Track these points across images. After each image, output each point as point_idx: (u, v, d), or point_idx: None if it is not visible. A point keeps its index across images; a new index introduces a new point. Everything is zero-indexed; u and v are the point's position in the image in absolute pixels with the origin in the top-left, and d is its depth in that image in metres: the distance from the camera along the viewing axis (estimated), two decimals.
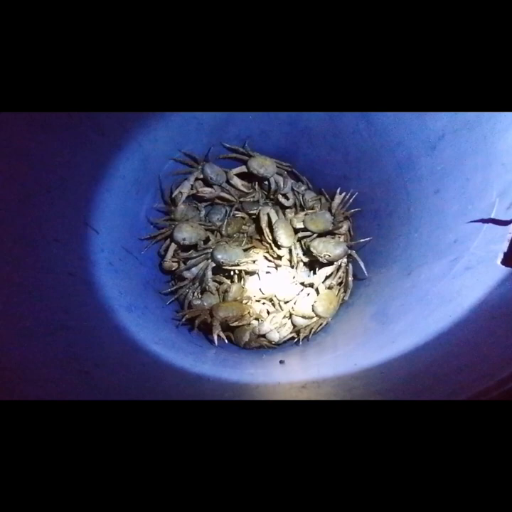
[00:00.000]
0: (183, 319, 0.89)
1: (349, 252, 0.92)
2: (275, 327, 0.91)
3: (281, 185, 1.03)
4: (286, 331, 0.93)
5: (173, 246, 0.96)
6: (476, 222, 0.61)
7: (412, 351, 0.56)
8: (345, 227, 1.00)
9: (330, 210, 0.99)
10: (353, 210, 0.97)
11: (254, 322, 0.94)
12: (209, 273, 0.96)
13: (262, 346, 0.92)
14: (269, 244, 1.02)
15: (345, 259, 0.93)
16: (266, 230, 1.00)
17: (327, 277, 0.95)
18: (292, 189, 1.07)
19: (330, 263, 0.93)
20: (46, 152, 0.63)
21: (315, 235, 1.00)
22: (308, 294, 0.96)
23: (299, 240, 1.02)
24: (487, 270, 0.56)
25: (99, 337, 0.61)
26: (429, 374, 0.49)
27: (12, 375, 0.46)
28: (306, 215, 1.01)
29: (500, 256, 0.54)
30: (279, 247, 1.00)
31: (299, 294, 0.95)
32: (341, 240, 0.98)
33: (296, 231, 1.02)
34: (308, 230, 1.00)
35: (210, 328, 0.87)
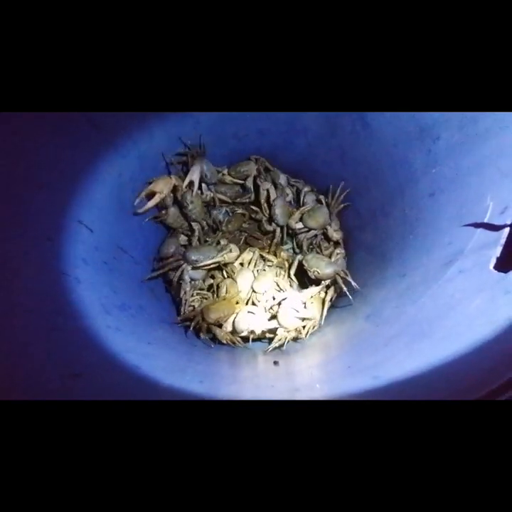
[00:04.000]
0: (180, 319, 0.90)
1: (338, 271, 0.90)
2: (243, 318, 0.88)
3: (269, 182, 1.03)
4: (264, 326, 0.88)
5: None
6: (470, 225, 0.61)
7: (405, 355, 0.56)
8: (337, 236, 1.00)
9: (327, 204, 1.00)
10: (343, 205, 0.98)
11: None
12: (186, 277, 0.94)
13: (233, 342, 0.89)
14: (264, 214, 1.05)
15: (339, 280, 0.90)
16: (264, 205, 1.02)
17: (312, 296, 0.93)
18: (289, 183, 1.07)
19: (318, 281, 0.93)
20: (40, 150, 0.62)
21: (313, 232, 1.01)
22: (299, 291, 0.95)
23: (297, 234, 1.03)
24: (480, 274, 0.56)
25: (91, 337, 0.61)
26: (421, 379, 0.49)
27: (6, 378, 0.46)
28: (302, 213, 1.01)
29: (493, 261, 0.54)
30: (271, 223, 1.02)
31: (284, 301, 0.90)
32: (337, 258, 0.97)
33: (295, 233, 1.03)
34: (309, 228, 1.00)
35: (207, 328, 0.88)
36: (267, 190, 1.01)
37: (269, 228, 1.04)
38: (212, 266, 0.96)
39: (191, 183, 0.94)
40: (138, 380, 0.61)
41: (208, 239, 1.03)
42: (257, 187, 1.03)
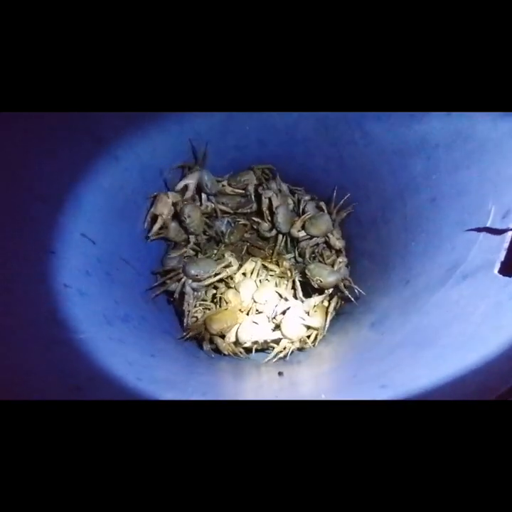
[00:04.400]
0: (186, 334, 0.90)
1: (341, 279, 0.90)
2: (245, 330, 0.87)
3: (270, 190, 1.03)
4: (268, 337, 0.87)
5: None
6: (472, 230, 0.61)
7: (410, 363, 0.55)
8: (339, 244, 1.00)
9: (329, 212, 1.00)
10: (346, 213, 0.98)
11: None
12: (188, 289, 0.93)
13: (236, 353, 0.88)
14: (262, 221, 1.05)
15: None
16: (266, 213, 1.01)
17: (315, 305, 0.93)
18: (290, 191, 1.07)
19: (321, 290, 0.92)
20: (42, 163, 0.63)
21: (316, 240, 1.01)
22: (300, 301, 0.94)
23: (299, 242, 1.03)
24: (485, 279, 0.55)
25: (93, 349, 0.61)
26: (426, 387, 0.48)
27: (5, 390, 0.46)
28: (304, 221, 1.00)
29: (498, 265, 0.54)
30: (271, 230, 1.02)
31: (287, 311, 0.90)
32: (340, 266, 0.97)
33: (298, 241, 1.03)
34: (311, 236, 1.00)
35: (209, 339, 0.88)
36: (269, 198, 1.01)
37: (270, 235, 1.04)
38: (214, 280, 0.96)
39: (186, 188, 0.93)
40: (140, 393, 0.60)
41: (208, 251, 1.03)
42: (258, 196, 1.04)
